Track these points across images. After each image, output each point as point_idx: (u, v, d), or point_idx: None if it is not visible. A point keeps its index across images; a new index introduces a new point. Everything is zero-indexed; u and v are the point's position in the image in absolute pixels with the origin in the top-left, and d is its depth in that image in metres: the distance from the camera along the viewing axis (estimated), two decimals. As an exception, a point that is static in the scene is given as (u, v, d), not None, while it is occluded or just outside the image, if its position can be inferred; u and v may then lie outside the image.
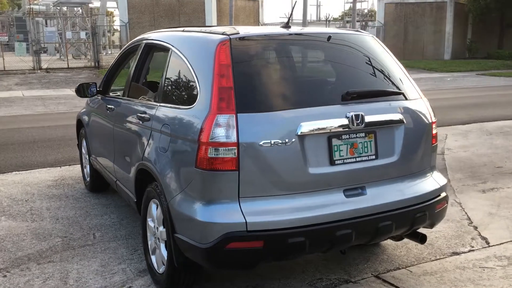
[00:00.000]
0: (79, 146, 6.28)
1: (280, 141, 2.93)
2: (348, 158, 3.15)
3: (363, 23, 37.85)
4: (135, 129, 3.95)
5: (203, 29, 3.61)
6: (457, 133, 9.76)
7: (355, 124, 3.11)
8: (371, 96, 3.30)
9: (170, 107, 3.47)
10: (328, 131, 3.07)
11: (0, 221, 5.09)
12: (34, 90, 17.85)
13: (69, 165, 7.27)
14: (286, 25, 3.62)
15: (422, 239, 3.57)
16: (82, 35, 25.75)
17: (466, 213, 5.25)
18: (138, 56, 4.39)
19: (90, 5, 31.55)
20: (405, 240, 4.41)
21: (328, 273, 3.85)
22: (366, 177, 3.22)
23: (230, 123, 2.89)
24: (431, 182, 3.52)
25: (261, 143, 2.90)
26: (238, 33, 3.25)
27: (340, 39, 3.57)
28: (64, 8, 32.90)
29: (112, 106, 4.66)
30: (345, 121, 3.10)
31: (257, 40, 3.32)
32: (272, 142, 2.92)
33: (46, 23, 40.00)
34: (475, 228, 4.80)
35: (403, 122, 3.33)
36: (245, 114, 2.92)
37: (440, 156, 7.86)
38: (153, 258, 3.67)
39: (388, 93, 3.41)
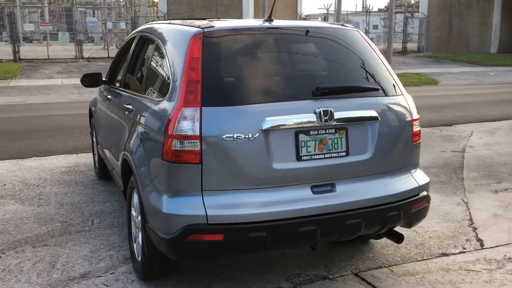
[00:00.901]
0: (91, 134, 6.47)
1: (243, 136, 2.94)
2: (316, 154, 3.12)
3: (408, 14, 36.90)
4: (121, 120, 4.05)
5: (185, 21, 3.64)
6: (485, 130, 9.44)
7: (323, 120, 3.07)
8: (343, 92, 3.25)
9: (148, 98, 3.53)
10: (295, 126, 3.05)
11: (8, 204, 5.31)
12: (73, 78, 18.39)
13: (86, 152, 7.48)
14: (269, 19, 3.61)
15: (398, 238, 3.50)
16: (123, 25, 26.33)
17: (470, 213, 5.10)
18: (133, 48, 4.47)
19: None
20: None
21: (309, 269, 3.84)
22: (336, 174, 3.18)
23: (194, 117, 2.92)
24: (409, 180, 3.44)
25: (223, 137, 2.92)
26: (213, 27, 3.26)
27: (321, 34, 3.52)
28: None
29: (110, 96, 4.78)
30: (312, 117, 3.06)
31: (231, 33, 3.32)
32: (235, 136, 2.92)
33: (94, 14, 41.17)
34: (474, 229, 4.66)
35: (377, 119, 3.26)
36: (210, 108, 2.94)
37: (460, 153, 7.64)
38: (134, 246, 3.76)
39: (363, 89, 3.34)
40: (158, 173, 3.07)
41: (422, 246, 4.26)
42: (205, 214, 2.91)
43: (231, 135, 2.92)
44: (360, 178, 3.25)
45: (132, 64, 4.42)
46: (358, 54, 3.49)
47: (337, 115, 3.12)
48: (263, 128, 2.97)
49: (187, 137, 2.91)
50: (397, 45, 31.69)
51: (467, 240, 4.39)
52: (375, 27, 36.28)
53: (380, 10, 54.31)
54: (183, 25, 3.50)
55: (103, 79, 5.29)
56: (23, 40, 35.25)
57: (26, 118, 10.51)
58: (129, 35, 5.09)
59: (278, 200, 3.03)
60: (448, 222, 4.83)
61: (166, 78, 3.31)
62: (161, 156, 3.01)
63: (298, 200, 3.06)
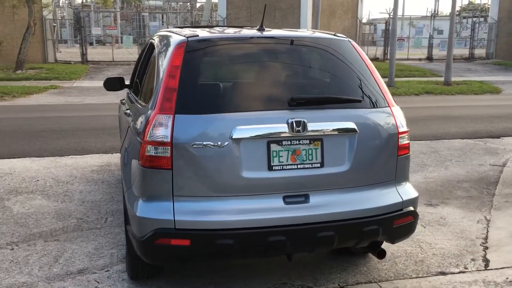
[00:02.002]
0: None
1: (213, 144, 2.99)
2: (289, 165, 3.11)
3: (476, 19, 35.28)
4: (124, 124, 4.22)
5: (179, 30, 3.74)
6: (534, 144, 8.92)
7: (295, 131, 3.06)
8: (320, 103, 3.21)
9: (140, 104, 3.66)
10: (266, 136, 3.06)
11: (35, 199, 5.65)
12: (132, 80, 19.09)
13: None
14: (260, 28, 3.64)
15: (379, 254, 3.41)
16: (183, 29, 26.96)
17: (487, 231, 4.87)
18: (144, 53, 4.64)
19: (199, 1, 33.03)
20: (395, 254, 4.25)
21: (296, 279, 3.82)
22: (310, 185, 3.16)
23: (167, 124, 3.00)
24: (392, 195, 3.34)
25: (193, 144, 2.98)
26: (197, 36, 3.34)
27: (308, 44, 3.50)
28: (174, 4, 34.75)
29: (124, 101, 4.98)
30: (284, 127, 3.06)
31: (214, 43, 3.38)
32: (204, 144, 2.98)
33: (163, 18, 42.53)
34: (485, 248, 4.45)
35: (355, 131, 3.20)
36: (182, 116, 3.02)
37: (500, 168, 7.29)
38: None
39: (343, 100, 3.29)
40: (136, 177, 3.19)
41: (422, 263, 4.12)
42: (173, 219, 2.98)
43: (201, 142, 2.98)
44: (337, 190, 3.21)
45: (139, 70, 4.58)
46: (345, 65, 3.45)
47: (312, 126, 3.10)
48: (233, 136, 3.00)
49: (159, 143, 3.00)
50: (464, 51, 30.43)
51: (472, 260, 4.20)
52: (440, 32, 34.97)
53: (446, 16, 52.35)
54: (176, 33, 3.60)
55: (126, 83, 5.49)
56: (96, 43, 37.10)
57: (76, 118, 11.08)
58: (148, 40, 5.28)
59: (248, 208, 3.06)
60: (460, 239, 4.64)
61: (154, 85, 3.42)
62: (138, 161, 3.12)
63: (268, 210, 3.07)
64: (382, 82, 3.48)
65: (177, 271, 3.89)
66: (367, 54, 23.00)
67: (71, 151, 7.92)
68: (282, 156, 3.10)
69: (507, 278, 3.85)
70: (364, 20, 30.21)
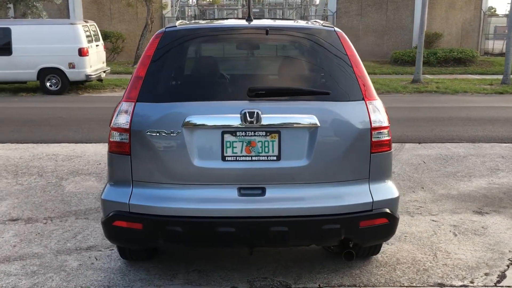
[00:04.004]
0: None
1: (166, 132, 3.04)
2: (243, 156, 3.05)
3: None
4: None
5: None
6: None
7: (248, 122, 3.00)
8: (282, 94, 3.10)
9: None
10: (219, 126, 3.04)
11: (88, 181, 6.15)
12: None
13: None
14: (248, 18, 3.60)
15: (346, 255, 3.21)
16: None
17: (527, 245, 4.33)
18: None
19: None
20: (400, 260, 3.99)
21: (279, 275, 3.74)
22: (266, 178, 3.07)
23: (128, 111, 3.13)
24: (361, 194, 3.12)
25: (147, 131, 3.06)
26: (175, 26, 3.41)
27: (287, 34, 3.39)
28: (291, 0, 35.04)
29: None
30: (237, 118, 3.01)
31: (190, 34, 3.41)
32: (158, 131, 3.05)
33: (283, 13, 43.17)
34: (511, 264, 3.96)
35: (317, 125, 3.04)
36: (142, 104, 3.12)
37: None
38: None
39: (306, 92, 3.13)
40: (107, 163, 3.36)
41: (424, 272, 3.79)
42: (127, 202, 3.10)
43: (154, 130, 3.05)
44: (295, 185, 3.08)
45: None
46: (324, 55, 3.28)
47: (267, 117, 3.01)
48: (184, 125, 3.03)
49: (120, 130, 3.13)
50: None
51: (486, 274, 3.76)
52: None
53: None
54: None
55: None
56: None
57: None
58: None
59: (200, 198, 3.07)
60: (488, 251, 4.18)
61: None
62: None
63: (220, 200, 3.05)
64: (363, 75, 3.24)
65: (166, 257, 4.02)
66: (492, 50, 21.09)
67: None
68: (236, 147, 3.06)
69: (512, 298, 3.40)
70: (487, 13, 27.64)
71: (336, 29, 3.42)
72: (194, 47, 3.43)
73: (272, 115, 3.03)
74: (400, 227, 4.67)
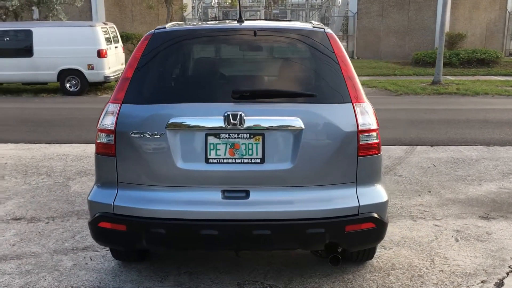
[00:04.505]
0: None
1: (149, 133, 3.04)
2: (227, 159, 3.03)
3: None
4: None
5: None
6: None
7: (230, 124, 2.97)
8: (266, 96, 3.06)
9: None
10: (203, 128, 3.02)
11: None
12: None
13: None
14: (239, 19, 3.58)
15: (332, 260, 3.15)
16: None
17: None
18: None
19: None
20: (396, 265, 3.92)
21: (270, 279, 3.70)
22: (250, 181, 3.04)
23: (114, 112, 3.13)
24: (347, 198, 3.06)
25: (131, 132, 3.06)
26: (164, 28, 3.41)
27: (276, 35, 3.35)
28: (313, 1, 34.89)
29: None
30: (220, 120, 2.99)
31: (179, 35, 3.39)
32: (141, 133, 3.05)
33: (305, 15, 43.09)
34: (511, 271, 3.84)
35: (301, 128, 2.99)
36: (127, 105, 3.12)
37: None
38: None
39: (291, 94, 3.09)
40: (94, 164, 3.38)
41: (418, 279, 3.70)
42: (112, 204, 3.11)
43: (138, 131, 3.05)
44: (280, 188, 3.04)
45: None
46: (312, 57, 3.23)
47: (251, 120, 2.98)
48: (167, 127, 3.02)
49: (106, 131, 3.14)
50: None
51: (482, 282, 3.66)
52: None
53: None
54: None
55: None
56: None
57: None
58: None
59: (183, 200, 3.05)
60: (489, 258, 4.06)
61: None
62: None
63: (203, 203, 3.03)
64: (352, 77, 3.17)
65: (159, 259, 4.02)
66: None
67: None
68: (219, 149, 3.03)
69: (507, 307, 3.29)
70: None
71: (327, 30, 3.36)
72: (183, 49, 3.42)
73: (256, 117, 3.00)
74: (401, 232, 4.59)
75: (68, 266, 3.95)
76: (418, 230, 4.65)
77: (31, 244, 4.38)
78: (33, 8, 18.96)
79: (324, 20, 24.35)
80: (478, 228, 4.72)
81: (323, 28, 3.37)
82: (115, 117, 3.11)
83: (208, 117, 3.02)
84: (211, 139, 3.04)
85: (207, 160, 3.05)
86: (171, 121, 3.02)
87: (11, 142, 8.31)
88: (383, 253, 4.13)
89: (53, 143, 8.23)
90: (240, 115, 2.97)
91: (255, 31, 3.28)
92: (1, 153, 7.63)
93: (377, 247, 4.21)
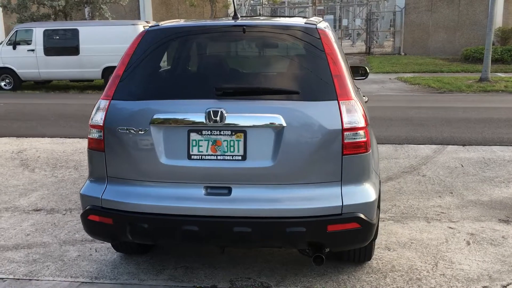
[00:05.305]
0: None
1: (134, 129, 3.09)
2: (208, 155, 3.03)
3: None
4: None
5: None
6: None
7: (212, 121, 2.97)
8: (249, 93, 3.04)
9: None
10: (185, 124, 3.04)
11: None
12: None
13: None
14: (235, 16, 3.57)
15: (315, 259, 3.09)
16: (358, 22, 26.54)
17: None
18: None
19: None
20: (396, 267, 3.83)
21: (263, 276, 3.69)
22: (231, 178, 3.03)
23: (103, 108, 3.22)
24: (330, 197, 2.99)
25: (118, 128, 3.13)
26: (158, 25, 3.45)
27: (266, 32, 3.32)
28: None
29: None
30: (202, 116, 3.00)
31: (171, 33, 3.42)
32: (127, 129, 3.10)
33: (354, 10, 42.46)
34: (519, 278, 3.66)
35: (283, 125, 2.96)
36: (116, 101, 3.19)
37: None
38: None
39: (274, 91, 3.05)
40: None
41: (416, 281, 3.58)
42: (100, 197, 3.19)
43: (124, 127, 3.11)
44: (261, 186, 3.02)
45: None
46: (301, 53, 3.19)
47: (232, 117, 2.97)
48: (151, 123, 3.07)
49: (96, 127, 3.23)
50: None
51: (484, 287, 3.51)
52: None
53: None
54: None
55: None
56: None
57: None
58: None
59: (167, 195, 3.09)
60: (499, 263, 3.88)
61: None
62: None
63: (186, 199, 3.06)
64: (341, 74, 3.09)
65: (159, 252, 4.09)
66: None
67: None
68: (202, 146, 3.05)
69: (503, 315, 3.14)
70: None
71: (319, 26, 3.30)
72: (173, 46, 3.45)
73: (237, 114, 2.99)
74: (410, 233, 4.46)
75: (73, 256, 4.09)
76: (429, 232, 4.50)
77: (44, 234, 4.56)
78: (82, 7, 19.64)
79: (370, 15, 23.86)
80: (494, 231, 4.51)
81: (315, 24, 3.30)
82: (104, 113, 3.19)
83: (190, 113, 3.04)
84: (193, 136, 3.06)
85: (189, 157, 3.07)
86: (154, 117, 3.07)
87: (48, 137, 8.66)
88: (385, 254, 4.03)
89: (86, 138, 8.50)
90: (221, 112, 2.97)
91: (244, 28, 3.26)
92: (37, 147, 7.97)
93: (380, 248, 4.13)
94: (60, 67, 15.10)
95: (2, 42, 16.08)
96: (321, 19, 3.76)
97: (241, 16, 3.56)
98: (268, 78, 3.28)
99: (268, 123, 2.98)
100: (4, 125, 9.92)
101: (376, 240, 4.26)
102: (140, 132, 3.10)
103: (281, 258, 3.95)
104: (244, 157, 3.02)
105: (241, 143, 3.02)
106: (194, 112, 3.04)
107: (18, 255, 4.13)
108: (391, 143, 7.84)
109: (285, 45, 3.30)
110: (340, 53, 3.31)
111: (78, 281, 3.68)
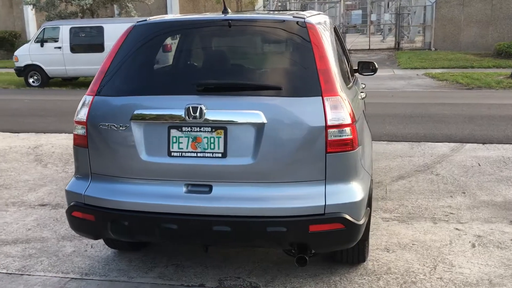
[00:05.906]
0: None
1: (115, 125, 3.05)
2: (189, 152, 2.97)
3: None
4: None
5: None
6: None
7: (190, 117, 2.90)
8: (230, 89, 2.95)
9: None
10: (165, 121, 2.98)
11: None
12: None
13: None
14: (224, 11, 3.50)
15: (298, 260, 2.99)
16: (387, 16, 26.00)
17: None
18: None
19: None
20: (392, 269, 3.70)
21: (253, 276, 3.62)
22: (212, 176, 2.96)
23: (87, 104, 3.19)
24: (312, 196, 2.88)
25: (99, 124, 3.10)
26: (146, 20, 3.41)
27: (253, 27, 3.22)
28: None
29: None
30: (181, 112, 2.93)
31: (158, 28, 3.36)
32: (108, 125, 3.07)
33: (388, 5, 41.80)
34: (521, 283, 3.47)
35: (263, 122, 2.86)
36: (100, 97, 3.16)
37: None
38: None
39: (255, 87, 2.95)
40: None
41: (411, 285, 3.44)
42: (83, 194, 3.17)
43: (105, 123, 3.08)
44: (242, 184, 2.93)
45: None
46: (287, 48, 3.09)
47: (211, 113, 2.90)
48: (131, 119, 3.02)
49: (80, 123, 3.21)
50: None
51: (481, 293, 3.34)
52: None
53: None
54: None
55: None
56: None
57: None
58: None
59: (147, 193, 3.04)
60: (501, 267, 3.70)
61: None
62: None
63: (165, 196, 3.00)
64: (327, 69, 2.97)
65: (153, 249, 4.06)
66: None
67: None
68: (182, 143, 2.98)
69: (496, 323, 2.97)
70: None
71: (308, 20, 3.18)
72: (158, 41, 3.39)
73: (217, 110, 2.92)
74: (413, 234, 4.30)
75: (68, 252, 4.10)
76: (434, 233, 4.33)
77: (45, 229, 4.59)
78: (109, 5, 19.90)
79: (400, 10, 23.36)
80: (503, 234, 4.31)
81: (303, 18, 3.19)
82: (88, 109, 3.16)
83: (170, 109, 2.98)
84: (173, 132, 3.00)
85: (169, 154, 3.01)
86: (135, 113, 3.02)
87: (65, 133, 8.77)
88: (383, 255, 3.89)
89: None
90: (201, 108, 2.90)
91: (229, 22, 3.18)
92: (53, 142, 8.09)
93: (379, 249, 4.00)
94: (86, 64, 15.30)
95: (31, 39, 16.44)
96: (315, 13, 3.65)
97: (237, 11, 3.48)
98: (252, 73, 3.20)
99: (248, 119, 2.90)
100: (25, 121, 10.12)
101: (376, 241, 4.15)
102: (121, 129, 3.06)
103: (275, 258, 3.86)
104: (224, 155, 2.95)
105: (221, 140, 2.94)
106: (174, 108, 2.98)
107: (15, 250, 4.17)
108: (408, 141, 7.63)
109: (271, 39, 3.21)
110: (331, 47, 3.19)
111: (68, 277, 3.68)
